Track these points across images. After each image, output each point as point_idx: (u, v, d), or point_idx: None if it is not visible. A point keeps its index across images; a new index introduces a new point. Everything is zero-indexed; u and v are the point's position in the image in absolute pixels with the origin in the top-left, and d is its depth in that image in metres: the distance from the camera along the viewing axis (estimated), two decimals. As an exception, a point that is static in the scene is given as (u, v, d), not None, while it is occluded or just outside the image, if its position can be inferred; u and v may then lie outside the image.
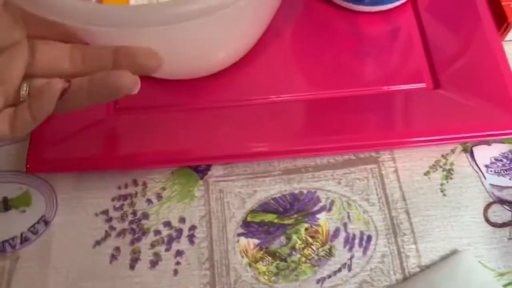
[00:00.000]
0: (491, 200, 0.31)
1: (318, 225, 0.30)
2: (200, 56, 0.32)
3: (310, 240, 0.30)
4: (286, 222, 0.31)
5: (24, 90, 0.24)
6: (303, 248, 0.30)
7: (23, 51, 0.24)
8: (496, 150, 0.32)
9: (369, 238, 0.30)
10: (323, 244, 0.30)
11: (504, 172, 0.31)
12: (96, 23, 0.23)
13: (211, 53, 0.33)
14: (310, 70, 0.35)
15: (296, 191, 0.31)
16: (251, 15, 0.30)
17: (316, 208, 0.31)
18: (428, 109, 0.33)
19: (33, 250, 0.30)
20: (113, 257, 0.30)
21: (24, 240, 0.31)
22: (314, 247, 0.30)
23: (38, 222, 0.31)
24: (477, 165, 0.32)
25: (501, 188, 0.31)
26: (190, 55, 0.31)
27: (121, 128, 0.33)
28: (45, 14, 0.23)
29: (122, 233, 0.31)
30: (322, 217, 0.31)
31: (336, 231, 0.30)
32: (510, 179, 0.31)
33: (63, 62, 0.24)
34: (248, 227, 0.30)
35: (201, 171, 0.32)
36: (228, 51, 0.33)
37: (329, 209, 0.31)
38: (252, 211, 0.31)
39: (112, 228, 0.31)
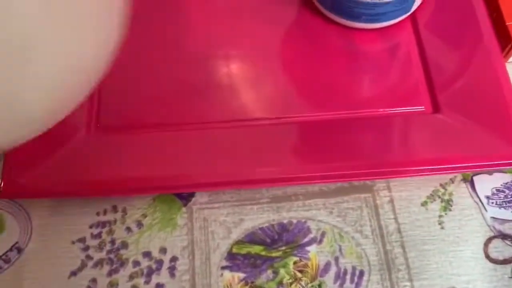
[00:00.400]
0: (492, 234, 0.29)
1: (308, 259, 0.29)
2: None
3: (299, 274, 0.28)
4: (273, 254, 0.29)
5: None
6: (291, 284, 0.28)
7: None
8: (498, 180, 0.30)
9: (362, 273, 0.28)
10: (312, 280, 0.28)
11: (506, 204, 0.30)
12: None
13: None
14: (302, 90, 0.33)
15: (285, 221, 0.30)
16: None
17: (306, 239, 0.29)
18: (426, 134, 0.31)
19: (4, 279, 0.29)
20: (89, 290, 0.28)
21: (-4, 268, 0.29)
22: (303, 283, 0.28)
23: (10, 249, 0.29)
24: (477, 196, 0.30)
25: (503, 221, 0.29)
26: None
27: (101, 150, 0.31)
28: None
29: (99, 263, 0.29)
30: (312, 249, 0.29)
31: (327, 265, 0.28)
32: (512, 212, 0.29)
33: None
34: (233, 260, 0.29)
35: (185, 197, 0.31)
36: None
37: (320, 241, 0.29)
38: (238, 242, 0.29)
39: (89, 257, 0.29)
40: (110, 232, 0.30)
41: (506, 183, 0.30)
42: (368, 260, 0.28)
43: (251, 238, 0.29)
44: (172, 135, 0.31)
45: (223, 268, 0.28)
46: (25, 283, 0.28)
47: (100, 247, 0.29)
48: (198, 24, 0.36)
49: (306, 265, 0.28)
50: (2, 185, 0.29)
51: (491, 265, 0.28)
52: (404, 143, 0.31)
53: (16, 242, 0.30)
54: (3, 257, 0.29)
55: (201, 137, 0.31)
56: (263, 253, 0.29)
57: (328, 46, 0.35)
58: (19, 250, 0.29)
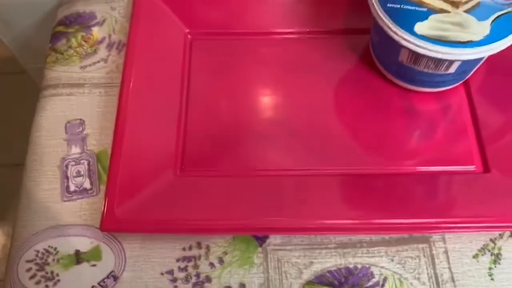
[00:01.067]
0: (537, 287, 0.32)
1: (371, 301, 0.32)
2: None
3: (363, 314, 0.32)
4: (340, 295, 0.32)
5: None
6: (356, 322, 0.32)
7: None
8: (544, 238, 0.34)
9: (419, 317, 0.32)
10: (375, 320, 0.32)
11: (550, 261, 0.33)
12: None
13: None
14: (362, 145, 0.37)
15: (351, 266, 0.33)
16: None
17: (370, 283, 0.33)
18: (477, 192, 0.34)
19: (102, 304, 0.33)
20: (177, 317, 0.32)
21: (94, 293, 0.33)
22: (366, 323, 0.32)
23: (107, 277, 0.33)
24: (524, 251, 0.33)
25: (548, 276, 0.33)
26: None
27: (185, 192, 0.35)
28: None
29: (185, 294, 0.33)
30: (374, 292, 0.32)
31: (388, 308, 0.32)
32: (556, 268, 0.33)
33: None
34: (305, 298, 0.32)
35: (260, 238, 0.34)
36: None
37: (382, 286, 0.33)
38: (309, 282, 0.33)
39: (176, 288, 0.33)
40: (195, 266, 0.34)
41: (551, 241, 0.34)
42: (425, 305, 0.32)
43: (320, 280, 0.33)
44: (248, 180, 0.35)
45: (296, 305, 0.32)
46: (120, 308, 0.32)
47: (186, 280, 0.33)
48: (268, 82, 0.40)
49: (369, 307, 0.32)
50: (103, 220, 0.33)
51: (536, 316, 0.32)
52: (458, 199, 0.34)
53: (112, 271, 0.34)
54: (101, 283, 0.33)
55: (274, 183, 0.35)
56: (331, 293, 0.33)
57: (388, 105, 0.38)
58: (115, 278, 0.33)
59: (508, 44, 0.31)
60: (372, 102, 0.38)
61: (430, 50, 0.31)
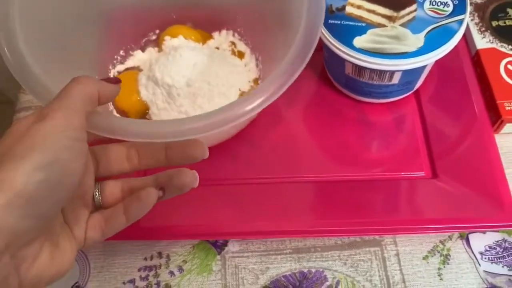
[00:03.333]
0: (485, 286, 0.33)
1: (324, 303, 0.33)
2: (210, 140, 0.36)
3: (317, 317, 0.33)
4: (295, 299, 0.34)
5: (97, 195, 0.27)
6: (310, 325, 0.33)
7: (90, 162, 0.27)
8: (491, 238, 0.35)
9: (371, 318, 0.33)
10: (328, 322, 0.33)
11: (497, 260, 0.34)
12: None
13: (219, 137, 0.37)
14: (320, 153, 0.39)
15: (305, 270, 0.35)
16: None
17: (323, 287, 0.34)
18: (427, 197, 0.36)
19: (65, 314, 0.34)
20: (137, 325, 0.33)
21: (59, 304, 0.34)
22: (320, 324, 0.33)
23: (71, 288, 0.35)
24: (472, 252, 0.35)
25: (494, 275, 0.34)
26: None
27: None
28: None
29: (146, 302, 0.34)
30: (328, 295, 0.34)
31: (341, 310, 0.33)
32: (503, 267, 0.34)
33: (122, 163, 0.28)
34: (260, 302, 0.34)
35: (219, 246, 0.36)
36: (231, 133, 0.38)
37: (335, 288, 0.34)
38: (265, 287, 0.34)
39: (137, 297, 0.34)
40: (156, 275, 0.35)
41: (498, 241, 0.35)
42: (376, 306, 0.33)
43: (275, 285, 0.34)
44: (209, 189, 0.37)
45: (252, 309, 0.33)
46: (83, 318, 0.34)
47: (147, 288, 0.34)
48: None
49: (323, 309, 0.33)
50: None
51: (484, 313, 0.33)
52: (409, 203, 0.36)
53: (76, 282, 0.35)
54: (65, 294, 0.34)
55: (234, 193, 0.37)
56: (286, 297, 0.34)
57: (343, 116, 0.40)
58: (79, 289, 0.35)
59: (441, 55, 0.33)
60: (328, 114, 0.40)
61: (368, 62, 0.33)
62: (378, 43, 0.33)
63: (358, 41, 0.33)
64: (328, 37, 0.34)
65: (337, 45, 0.34)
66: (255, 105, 0.28)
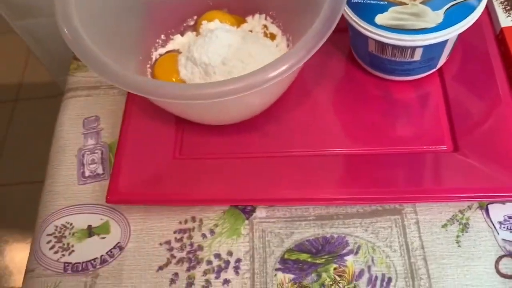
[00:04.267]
0: (502, 253, 0.34)
1: (346, 266, 0.35)
2: (242, 111, 0.39)
3: (338, 278, 0.35)
4: (317, 261, 0.36)
5: None
6: (331, 285, 0.35)
7: None
8: (510, 208, 0.36)
9: (390, 280, 0.34)
10: (348, 283, 0.35)
11: (516, 229, 0.35)
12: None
13: (251, 108, 0.40)
14: (345, 129, 0.41)
15: (328, 235, 0.37)
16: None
17: (344, 251, 0.36)
18: (448, 169, 0.37)
19: (109, 270, 0.37)
20: (172, 281, 0.36)
21: (103, 261, 0.38)
22: (340, 285, 0.35)
23: (114, 248, 0.38)
24: (491, 221, 0.36)
25: (513, 243, 0.35)
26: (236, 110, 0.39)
27: (181, 172, 0.39)
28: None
29: (180, 261, 0.37)
30: (349, 259, 0.36)
31: (361, 272, 0.35)
32: (521, 235, 0.35)
33: None
34: (285, 264, 0.36)
35: (247, 212, 0.38)
36: (263, 104, 0.40)
37: (356, 253, 0.36)
38: (289, 250, 0.36)
39: (173, 256, 0.37)
40: (190, 237, 0.38)
41: (517, 212, 0.36)
42: (395, 269, 0.35)
43: (300, 248, 0.36)
44: (237, 163, 0.39)
45: (277, 270, 0.36)
46: (124, 273, 0.37)
47: (181, 249, 0.37)
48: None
49: (343, 271, 0.35)
50: (108, 193, 0.38)
51: (501, 279, 0.34)
52: (429, 174, 0.37)
53: (118, 242, 0.38)
54: (109, 253, 0.38)
55: (260, 164, 0.39)
56: (309, 259, 0.36)
57: (368, 94, 0.42)
58: (121, 248, 0.38)
59: (460, 30, 0.35)
60: (353, 93, 0.42)
61: (390, 38, 0.35)
62: (399, 20, 0.35)
63: (380, 19, 0.35)
64: (351, 15, 0.36)
65: (359, 23, 0.36)
66: (282, 70, 0.31)
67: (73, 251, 0.38)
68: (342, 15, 0.37)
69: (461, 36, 0.42)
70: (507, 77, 0.40)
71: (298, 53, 0.32)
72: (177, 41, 0.46)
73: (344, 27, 0.44)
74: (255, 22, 0.47)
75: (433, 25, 0.34)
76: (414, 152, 0.39)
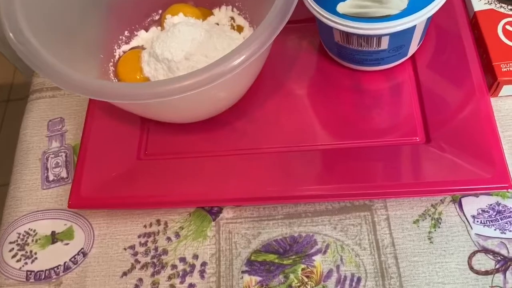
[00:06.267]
0: (476, 249, 0.33)
1: (314, 266, 0.34)
2: (207, 106, 0.38)
3: (306, 279, 0.34)
4: (285, 262, 0.34)
5: None
6: (299, 287, 0.33)
7: None
8: (483, 202, 0.34)
9: (359, 280, 0.33)
10: (317, 284, 0.33)
11: (489, 223, 0.34)
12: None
13: (217, 103, 0.38)
14: (316, 123, 0.39)
15: (296, 234, 0.35)
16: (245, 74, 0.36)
17: (312, 250, 0.35)
18: (420, 161, 0.36)
19: (72, 277, 0.36)
20: (136, 287, 0.35)
21: (66, 268, 0.37)
22: (308, 286, 0.33)
23: (78, 254, 0.37)
24: (464, 215, 0.34)
25: (486, 238, 0.33)
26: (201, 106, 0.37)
27: (146, 173, 0.38)
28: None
29: (145, 266, 0.36)
30: (317, 259, 0.34)
31: (329, 272, 0.34)
32: (495, 229, 0.33)
33: None
34: (252, 266, 0.35)
35: (214, 213, 0.37)
36: (229, 98, 0.39)
37: (324, 252, 0.34)
38: (256, 251, 0.35)
39: (137, 261, 0.36)
40: (154, 241, 0.37)
41: (491, 205, 0.34)
42: (365, 268, 0.33)
43: (267, 248, 0.35)
44: (202, 162, 0.38)
45: (243, 272, 0.34)
46: (88, 280, 0.36)
47: (146, 253, 0.36)
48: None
49: (312, 272, 0.34)
50: (70, 198, 0.37)
51: (474, 275, 0.32)
52: (401, 168, 0.36)
53: (82, 248, 0.37)
54: (72, 259, 0.37)
55: (226, 162, 0.38)
56: (276, 260, 0.35)
57: (340, 86, 0.40)
58: (84, 254, 0.37)
59: (426, 16, 0.33)
60: (324, 85, 0.41)
61: (353, 28, 0.33)
62: (361, 8, 0.33)
63: (342, 7, 0.33)
64: (313, 5, 0.35)
65: (321, 13, 0.34)
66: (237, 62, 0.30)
67: (36, 258, 0.37)
68: (305, 6, 0.35)
69: (433, 22, 0.40)
70: (481, 64, 0.38)
71: (260, 37, 0.30)
72: (142, 37, 0.45)
73: (313, 17, 0.43)
74: (222, 14, 0.45)
75: (397, 11, 0.32)
76: (386, 145, 0.37)
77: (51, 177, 0.41)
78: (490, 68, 0.37)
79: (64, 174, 0.41)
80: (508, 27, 0.38)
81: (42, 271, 0.37)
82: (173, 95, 0.30)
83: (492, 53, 0.37)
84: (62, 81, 0.31)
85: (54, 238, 0.38)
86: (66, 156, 0.42)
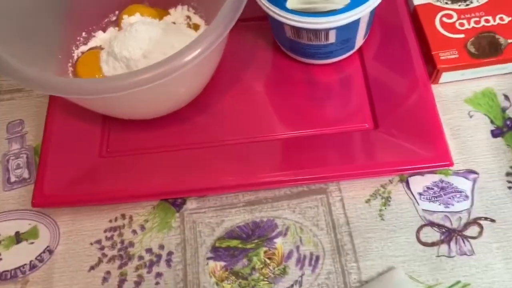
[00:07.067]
0: (423, 223, 0.36)
1: (275, 248, 0.36)
2: (165, 101, 0.39)
3: (268, 261, 0.35)
4: (248, 246, 0.36)
5: None
6: (262, 268, 0.35)
7: None
8: (428, 180, 0.37)
9: (318, 258, 0.35)
10: (278, 264, 0.35)
11: (434, 199, 0.37)
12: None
13: (175, 97, 0.39)
14: (272, 115, 0.41)
15: (257, 220, 0.37)
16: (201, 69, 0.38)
17: (273, 233, 0.36)
18: (369, 145, 0.38)
19: (39, 275, 0.37)
20: (104, 280, 0.36)
21: (32, 267, 0.37)
22: (271, 267, 0.35)
23: (43, 252, 0.37)
24: (411, 193, 0.37)
25: (432, 212, 0.36)
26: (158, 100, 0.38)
27: (109, 170, 0.39)
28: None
29: (112, 259, 0.37)
30: (278, 241, 0.36)
31: (290, 253, 0.36)
32: (439, 204, 0.36)
33: None
34: (216, 252, 0.36)
35: (178, 205, 0.38)
36: (188, 93, 0.40)
37: (285, 234, 0.36)
38: (220, 238, 0.37)
39: (104, 255, 0.37)
40: (120, 234, 0.38)
41: (435, 182, 0.37)
42: (323, 247, 0.36)
43: (230, 235, 0.37)
44: (164, 156, 0.39)
45: (208, 258, 0.36)
46: (55, 277, 0.36)
47: (112, 247, 0.37)
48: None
49: (273, 254, 0.36)
50: (33, 197, 0.37)
51: (421, 247, 0.35)
52: (352, 152, 0.38)
53: (48, 246, 0.38)
54: (38, 257, 0.37)
55: (186, 155, 0.39)
56: (239, 245, 0.36)
57: (293, 79, 0.43)
58: (50, 252, 0.37)
59: (368, 10, 0.36)
60: (278, 79, 0.43)
61: (302, 22, 0.36)
62: (309, 3, 0.35)
63: (291, 3, 0.35)
64: (264, 2, 0.37)
65: (272, 8, 0.36)
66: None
67: (0, 259, 0.37)
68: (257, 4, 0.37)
69: (377, 16, 0.43)
70: (422, 54, 0.41)
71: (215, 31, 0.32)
72: (99, 38, 0.46)
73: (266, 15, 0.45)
74: (178, 14, 0.46)
75: (341, 6, 0.35)
76: (338, 132, 0.39)
77: (12, 179, 0.41)
78: (430, 57, 0.40)
79: (26, 175, 0.41)
80: (444, 19, 0.41)
81: (7, 271, 0.37)
82: (129, 89, 0.31)
83: (432, 43, 0.40)
84: (21, 78, 0.31)
85: (18, 238, 0.38)
86: (27, 158, 0.42)
